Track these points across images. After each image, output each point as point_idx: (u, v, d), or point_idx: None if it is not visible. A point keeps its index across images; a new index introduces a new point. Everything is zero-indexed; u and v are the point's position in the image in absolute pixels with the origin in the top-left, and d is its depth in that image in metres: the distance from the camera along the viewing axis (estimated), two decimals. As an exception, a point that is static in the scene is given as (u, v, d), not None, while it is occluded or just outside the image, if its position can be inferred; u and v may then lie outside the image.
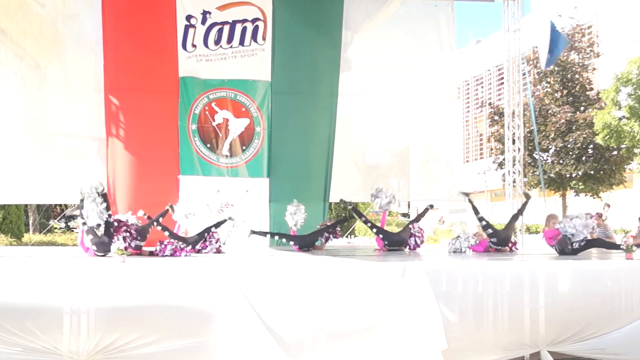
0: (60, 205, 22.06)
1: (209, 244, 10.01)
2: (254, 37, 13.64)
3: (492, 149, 26.01)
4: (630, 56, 19.13)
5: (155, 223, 9.71)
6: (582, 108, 22.49)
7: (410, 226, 11.01)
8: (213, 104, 13.59)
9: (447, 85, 14.67)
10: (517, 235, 13.35)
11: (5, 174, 12.85)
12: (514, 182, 14.59)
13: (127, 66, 13.12)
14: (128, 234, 9.01)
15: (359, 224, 24.62)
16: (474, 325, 7.33)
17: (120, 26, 13.13)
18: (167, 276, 7.08)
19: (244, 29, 13.61)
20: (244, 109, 13.70)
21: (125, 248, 8.25)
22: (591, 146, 21.53)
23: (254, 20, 13.63)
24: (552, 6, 16.80)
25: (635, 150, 19.55)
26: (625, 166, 22.14)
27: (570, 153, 21.96)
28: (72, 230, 22.71)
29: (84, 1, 13.29)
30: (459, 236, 10.57)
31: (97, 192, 8.80)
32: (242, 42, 13.61)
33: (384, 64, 14.25)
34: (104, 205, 8.85)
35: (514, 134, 14.67)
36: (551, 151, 22.39)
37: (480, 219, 10.34)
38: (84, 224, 8.94)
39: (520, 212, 11.28)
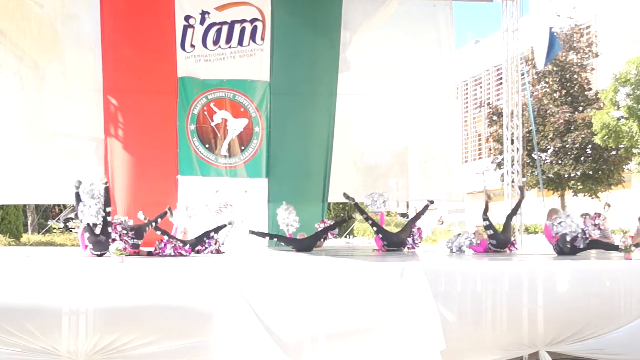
0: (58, 205, 22.06)
1: (208, 245, 10.00)
2: (252, 37, 13.64)
3: (490, 149, 26.03)
4: (629, 56, 19.17)
5: (153, 224, 9.69)
6: (580, 108, 22.53)
7: (410, 226, 11.02)
8: (212, 104, 13.59)
9: (446, 85, 14.68)
10: (516, 235, 13.38)
11: (3, 174, 12.85)
12: (513, 182, 14.60)
13: (125, 66, 13.11)
14: (125, 232, 9.00)
15: (357, 224, 24.68)
16: (473, 325, 7.33)
17: (119, 27, 13.13)
18: (166, 276, 7.07)
19: (243, 29, 13.61)
20: (242, 109, 13.70)
21: (124, 248, 8.24)
22: (590, 146, 21.57)
23: (252, 21, 13.63)
24: (551, 6, 16.81)
25: (634, 151, 19.59)
26: (624, 166, 22.18)
27: (569, 153, 21.99)
28: (71, 231, 22.71)
29: (83, 2, 13.28)
30: (459, 234, 10.55)
31: (94, 193, 8.79)
32: (240, 43, 13.61)
33: (383, 64, 14.26)
34: (103, 201, 8.86)
35: (512, 134, 14.68)
36: (550, 151, 22.42)
37: (485, 219, 10.31)
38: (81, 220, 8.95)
39: (514, 211, 11.11)
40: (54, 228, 21.21)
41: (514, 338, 7.45)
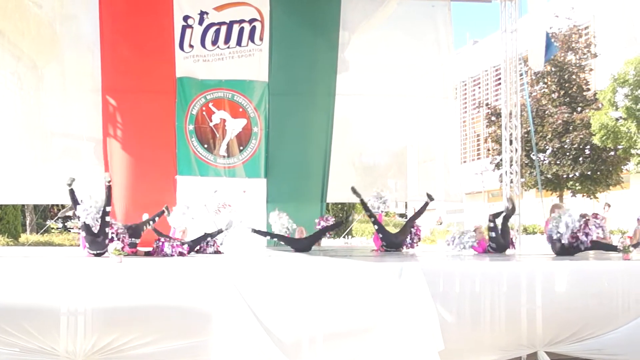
0: (57, 205, 22.04)
1: (208, 246, 10.00)
2: (251, 37, 13.63)
3: (489, 150, 26.02)
4: (627, 57, 19.17)
5: (150, 223, 9.70)
6: (579, 109, 22.52)
7: (410, 225, 11.02)
8: (210, 105, 13.58)
9: (445, 85, 14.68)
10: (515, 236, 13.37)
11: (2, 174, 12.84)
12: (511, 182, 14.60)
13: (124, 67, 13.11)
14: (121, 230, 9.01)
15: (356, 225, 24.70)
16: (471, 326, 7.34)
17: (118, 27, 13.11)
18: (165, 276, 7.08)
19: (241, 30, 13.60)
20: (241, 110, 13.69)
21: (122, 248, 8.24)
22: (588, 147, 21.56)
23: (251, 21, 13.63)
24: (548, 8, 16.81)
25: (632, 151, 19.59)
26: (622, 167, 22.17)
27: (567, 154, 21.98)
28: (69, 231, 22.71)
29: (82, 2, 13.27)
30: (463, 232, 10.50)
31: (92, 194, 8.81)
32: (239, 43, 13.60)
33: (382, 65, 14.25)
34: (105, 199, 8.88)
35: (511, 134, 14.68)
36: (548, 152, 22.41)
37: (492, 222, 10.28)
38: (78, 217, 8.96)
39: (506, 218, 10.56)
40: (53, 228, 21.22)
41: (512, 338, 7.46)
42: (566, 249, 9.19)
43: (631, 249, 8.77)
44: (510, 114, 14.74)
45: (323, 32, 13.92)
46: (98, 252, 8.83)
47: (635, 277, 7.72)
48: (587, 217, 9.34)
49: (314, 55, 13.84)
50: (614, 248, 9.40)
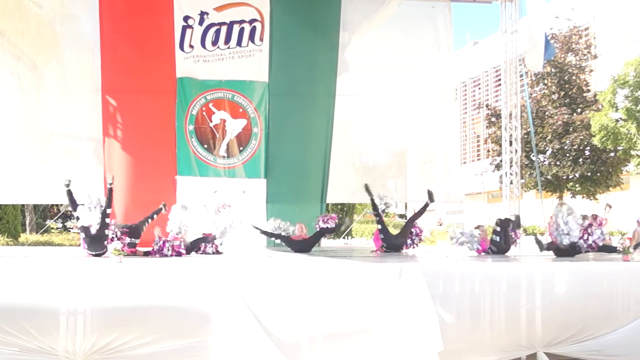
0: (57, 205, 22.02)
1: (207, 247, 9.99)
2: (251, 38, 13.62)
3: (489, 151, 26.02)
4: (627, 58, 19.17)
5: (149, 220, 9.70)
6: (579, 110, 22.52)
7: (409, 227, 11.00)
8: (210, 105, 13.57)
9: (445, 86, 14.67)
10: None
11: (2, 174, 12.83)
12: (511, 183, 14.59)
13: (124, 67, 13.09)
14: (121, 231, 9.01)
15: (356, 225, 24.69)
16: (471, 326, 7.34)
17: (118, 27, 13.10)
18: (164, 276, 7.08)
19: (242, 30, 13.59)
20: (241, 110, 13.68)
21: (122, 248, 8.24)
22: (588, 148, 21.57)
23: (251, 21, 13.62)
24: (547, 9, 16.81)
25: (632, 152, 19.58)
26: (622, 168, 22.17)
27: (567, 155, 21.99)
28: (69, 230, 22.71)
29: (82, 2, 13.25)
30: (472, 235, 10.43)
31: (91, 197, 8.84)
32: (239, 43, 13.59)
33: (382, 65, 14.23)
34: (106, 201, 8.89)
35: (511, 135, 14.67)
36: (548, 153, 22.41)
37: (498, 225, 10.26)
38: (78, 218, 8.97)
39: (513, 229, 10.59)
40: (52, 228, 21.22)
41: (512, 339, 7.47)
42: (567, 250, 9.19)
43: (631, 250, 8.78)
44: (510, 115, 14.73)
45: (323, 32, 13.91)
46: (97, 252, 8.83)
47: (635, 278, 7.73)
48: (590, 222, 9.34)
49: (314, 56, 13.82)
50: (613, 249, 9.40)
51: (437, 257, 10.01)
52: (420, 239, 11.12)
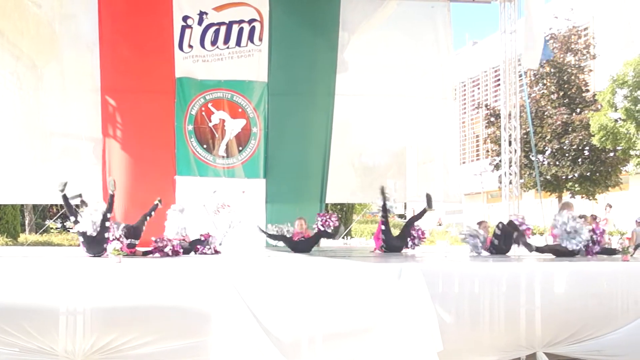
0: (56, 205, 22.00)
1: (205, 247, 9.98)
2: (250, 37, 13.62)
3: (488, 151, 26.04)
4: (626, 58, 19.19)
5: (148, 217, 9.70)
6: (578, 110, 22.55)
7: (408, 230, 10.97)
8: (209, 105, 13.56)
9: (444, 86, 14.66)
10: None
11: (1, 174, 12.82)
12: (510, 183, 14.60)
13: (123, 67, 13.09)
14: (120, 232, 9.01)
15: (355, 225, 24.64)
16: (470, 326, 7.34)
17: (117, 27, 13.10)
18: (164, 277, 7.07)
19: (241, 30, 13.58)
20: (240, 110, 13.67)
21: (121, 248, 8.24)
22: (587, 148, 21.60)
23: (250, 21, 13.61)
24: (546, 7, 16.82)
25: (631, 152, 19.61)
26: (621, 168, 22.20)
27: (567, 155, 22.01)
28: (69, 231, 22.63)
29: (81, 2, 13.24)
30: (478, 237, 10.38)
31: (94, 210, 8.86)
32: (238, 43, 13.58)
33: (381, 65, 14.23)
34: (107, 207, 8.90)
35: (510, 135, 14.68)
36: (547, 153, 22.44)
37: (500, 229, 10.25)
38: (76, 222, 8.96)
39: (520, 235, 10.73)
40: (52, 228, 21.16)
41: (511, 339, 7.46)
42: (566, 252, 9.19)
43: (631, 250, 8.78)
44: (510, 114, 14.74)
45: (322, 32, 13.90)
46: (96, 254, 8.83)
47: (635, 278, 7.73)
48: (591, 225, 9.36)
49: (313, 56, 13.82)
50: (613, 252, 9.40)
51: (437, 257, 10.00)
52: (422, 240, 11.09)
